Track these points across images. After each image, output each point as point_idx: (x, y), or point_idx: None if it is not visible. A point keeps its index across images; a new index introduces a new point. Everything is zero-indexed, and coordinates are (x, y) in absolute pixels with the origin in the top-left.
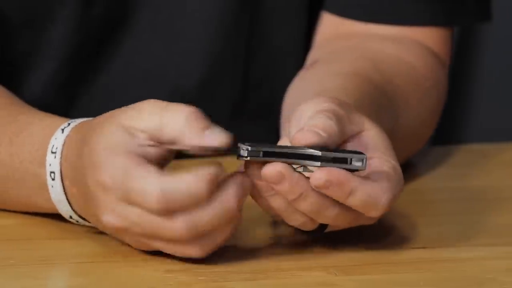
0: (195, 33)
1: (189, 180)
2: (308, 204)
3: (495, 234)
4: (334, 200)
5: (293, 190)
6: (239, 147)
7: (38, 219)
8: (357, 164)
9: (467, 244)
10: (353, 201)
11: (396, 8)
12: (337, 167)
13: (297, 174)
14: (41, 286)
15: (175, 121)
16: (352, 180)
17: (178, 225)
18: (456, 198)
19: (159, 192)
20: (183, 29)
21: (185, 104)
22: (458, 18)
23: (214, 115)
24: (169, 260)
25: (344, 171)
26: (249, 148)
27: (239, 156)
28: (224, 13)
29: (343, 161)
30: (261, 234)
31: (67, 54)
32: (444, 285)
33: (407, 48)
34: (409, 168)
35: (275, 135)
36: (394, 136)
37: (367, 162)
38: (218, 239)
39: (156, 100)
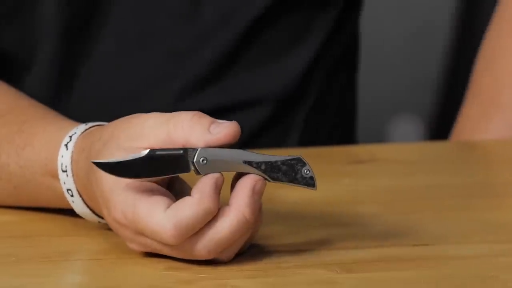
0: None
1: (193, 203)
2: None
3: (497, 232)
4: None
5: None
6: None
7: (39, 216)
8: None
9: (470, 242)
10: None
11: None
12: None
13: None
14: (42, 284)
15: (181, 126)
16: None
17: (199, 251)
18: (457, 194)
19: (172, 229)
20: None
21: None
22: None
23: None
24: (170, 258)
25: None
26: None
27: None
28: None
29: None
30: (262, 231)
31: (60, 29)
32: (446, 282)
33: None
34: (410, 164)
35: None
36: None
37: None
38: (240, 245)
39: (157, 113)
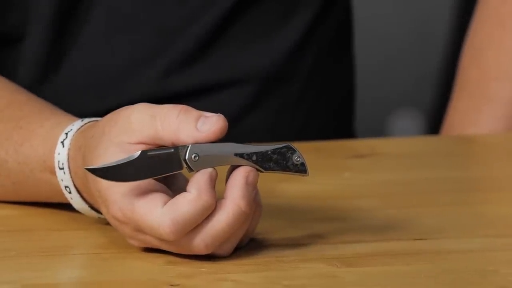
0: None
1: (192, 199)
2: None
3: (496, 225)
4: None
5: None
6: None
7: (38, 210)
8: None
9: (469, 236)
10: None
11: None
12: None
13: None
14: (41, 278)
15: (168, 124)
16: None
17: (197, 246)
18: (457, 188)
19: (170, 225)
20: None
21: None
22: None
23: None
24: (170, 252)
25: None
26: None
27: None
28: None
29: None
30: (262, 225)
31: (50, 10)
32: (445, 277)
33: None
34: (409, 158)
35: None
36: None
37: None
38: (238, 238)
39: (142, 106)
